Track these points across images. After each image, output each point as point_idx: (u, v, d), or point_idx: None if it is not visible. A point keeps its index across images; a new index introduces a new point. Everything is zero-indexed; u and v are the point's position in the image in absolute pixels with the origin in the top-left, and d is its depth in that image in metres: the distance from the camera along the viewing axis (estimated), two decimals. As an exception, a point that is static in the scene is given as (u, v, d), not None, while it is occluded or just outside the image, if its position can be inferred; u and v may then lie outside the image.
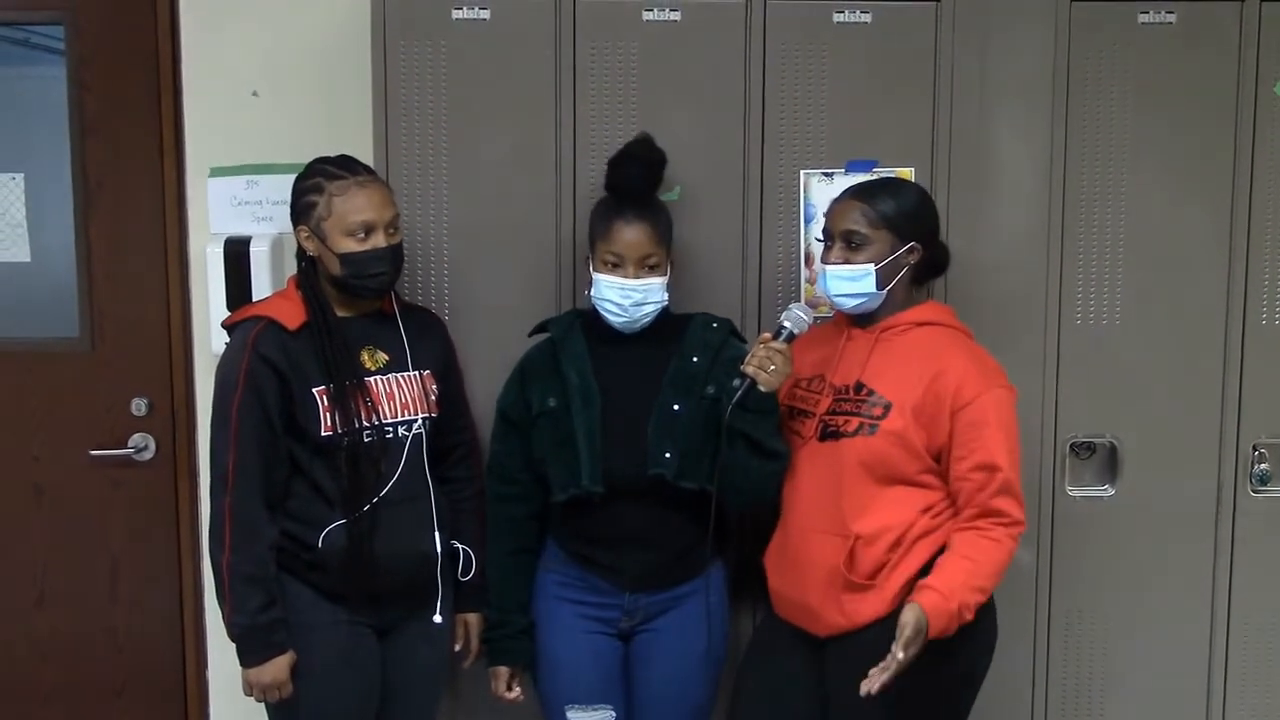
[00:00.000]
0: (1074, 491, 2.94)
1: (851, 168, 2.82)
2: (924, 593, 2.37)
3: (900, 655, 2.30)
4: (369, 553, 2.53)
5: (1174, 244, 2.89)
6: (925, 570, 2.47)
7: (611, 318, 2.61)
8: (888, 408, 2.50)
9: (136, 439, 3.33)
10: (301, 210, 2.58)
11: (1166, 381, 2.91)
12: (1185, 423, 2.92)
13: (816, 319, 2.62)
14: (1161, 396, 2.91)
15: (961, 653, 2.54)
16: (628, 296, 2.57)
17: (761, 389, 2.49)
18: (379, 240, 2.54)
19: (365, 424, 2.54)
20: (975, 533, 2.44)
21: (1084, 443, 2.93)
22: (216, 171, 3.20)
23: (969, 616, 2.40)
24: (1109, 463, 2.94)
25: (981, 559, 2.43)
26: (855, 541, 2.47)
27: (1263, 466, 2.93)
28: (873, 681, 2.30)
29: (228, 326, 2.63)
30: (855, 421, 2.51)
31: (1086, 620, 2.96)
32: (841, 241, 2.56)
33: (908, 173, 2.82)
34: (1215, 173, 2.87)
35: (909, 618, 2.33)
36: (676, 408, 2.59)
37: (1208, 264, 2.89)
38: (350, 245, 2.53)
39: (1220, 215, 2.88)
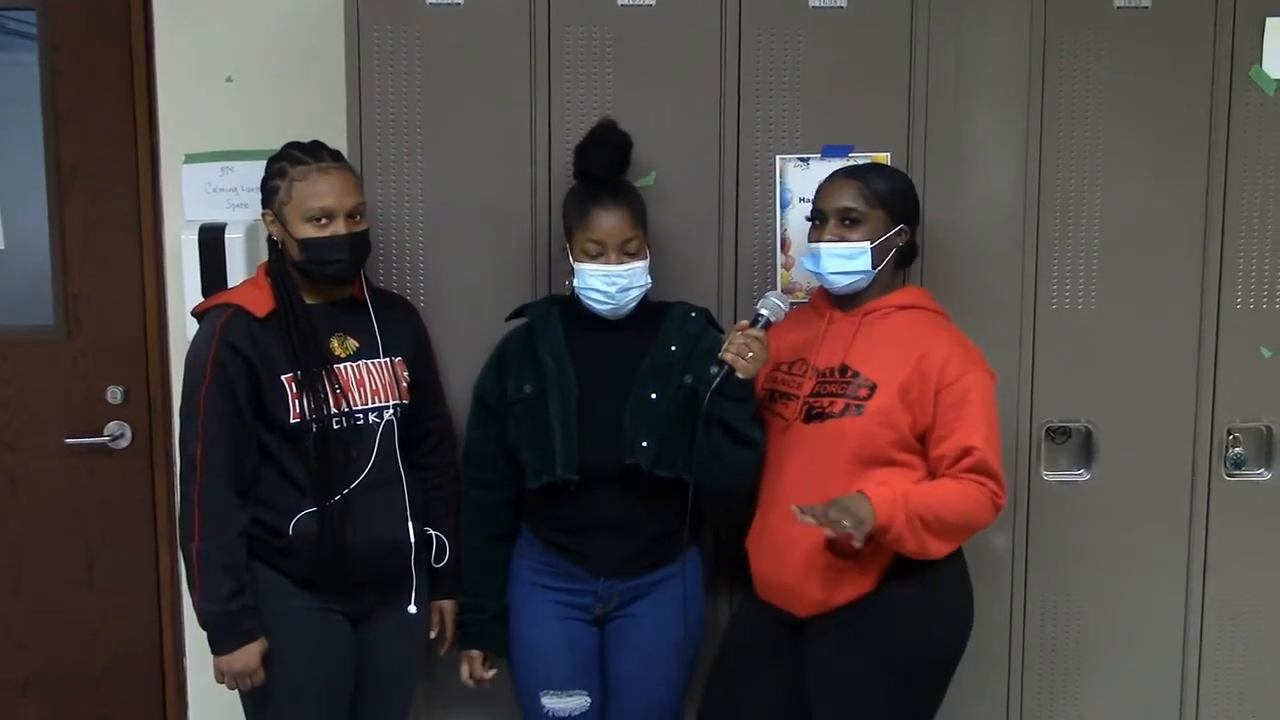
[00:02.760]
0: (1049, 476, 2.94)
1: (828, 153, 2.82)
2: (878, 489, 2.39)
3: (826, 512, 2.32)
4: (340, 540, 2.52)
5: (1149, 229, 2.89)
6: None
7: (598, 305, 2.60)
8: (873, 389, 2.50)
9: (112, 427, 3.32)
10: (267, 195, 2.59)
11: (1141, 366, 2.91)
12: (1160, 407, 2.92)
13: (792, 304, 2.62)
14: (1136, 381, 2.91)
15: (937, 635, 2.57)
16: (613, 283, 2.57)
17: (739, 376, 2.49)
18: (339, 227, 2.53)
19: (334, 410, 2.53)
20: (949, 478, 2.45)
21: (1059, 427, 2.94)
22: (191, 158, 3.18)
23: (925, 544, 2.40)
24: (1084, 447, 2.94)
25: (949, 494, 2.43)
26: None
27: (1236, 450, 2.94)
28: (804, 514, 2.34)
29: (197, 314, 2.62)
30: (841, 403, 2.52)
31: (1061, 603, 2.97)
32: (836, 219, 2.56)
33: (884, 157, 2.81)
34: (1190, 157, 2.87)
35: (849, 499, 2.35)
36: (654, 396, 2.58)
37: (1183, 249, 2.89)
38: (309, 231, 2.52)
39: (1195, 200, 2.88)
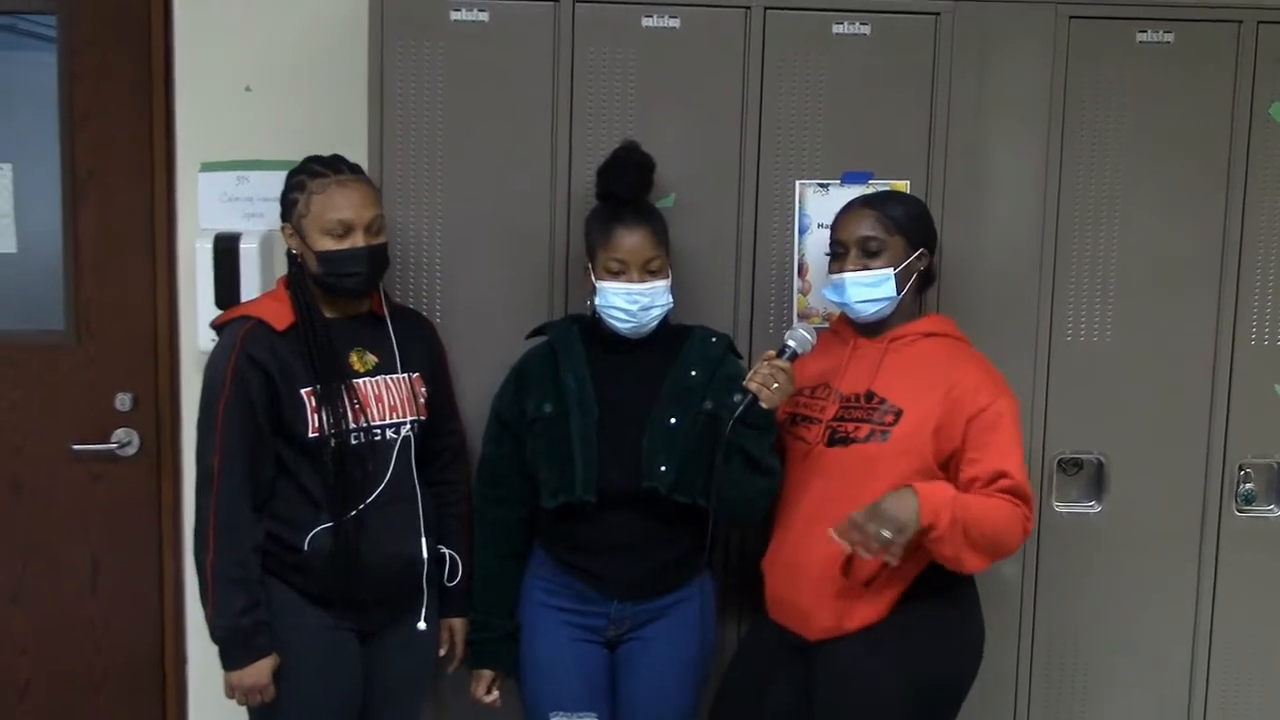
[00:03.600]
0: (1061, 507, 2.94)
1: (847, 179, 2.82)
2: (929, 486, 2.37)
3: (865, 524, 2.31)
4: (355, 556, 2.51)
5: (1166, 263, 2.89)
6: (921, 582, 2.48)
7: (619, 324, 2.60)
8: (899, 415, 2.50)
9: (120, 434, 3.30)
10: (286, 207, 2.59)
11: (1154, 400, 2.91)
12: (1172, 441, 2.93)
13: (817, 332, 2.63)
14: (1150, 414, 2.92)
15: (949, 663, 2.57)
16: (635, 301, 2.57)
17: (763, 405, 2.49)
18: (357, 240, 2.53)
19: (353, 425, 2.53)
20: (983, 494, 2.43)
21: (1072, 459, 2.94)
22: (207, 166, 3.17)
23: (961, 554, 2.37)
24: (1096, 479, 2.94)
25: (989, 508, 2.40)
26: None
27: (1248, 486, 2.94)
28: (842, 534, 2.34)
29: (216, 326, 2.61)
30: (866, 428, 2.52)
31: (1069, 633, 2.97)
32: (858, 249, 2.57)
33: (903, 185, 2.82)
34: (1208, 193, 2.88)
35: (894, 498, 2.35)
36: (673, 420, 2.58)
37: (1199, 283, 2.90)
38: (328, 244, 2.52)
39: (1212, 235, 2.89)
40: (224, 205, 3.18)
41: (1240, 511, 2.95)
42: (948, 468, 2.50)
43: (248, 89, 3.16)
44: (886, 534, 2.31)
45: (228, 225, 3.15)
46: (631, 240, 2.57)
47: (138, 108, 3.22)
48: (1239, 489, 2.94)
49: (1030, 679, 2.97)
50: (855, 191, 2.74)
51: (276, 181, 2.66)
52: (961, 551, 2.38)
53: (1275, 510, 2.95)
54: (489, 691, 2.71)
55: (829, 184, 2.83)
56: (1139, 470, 2.93)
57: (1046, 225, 2.87)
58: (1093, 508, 2.95)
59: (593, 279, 2.62)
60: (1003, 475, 2.42)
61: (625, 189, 2.62)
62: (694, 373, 2.63)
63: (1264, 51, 2.84)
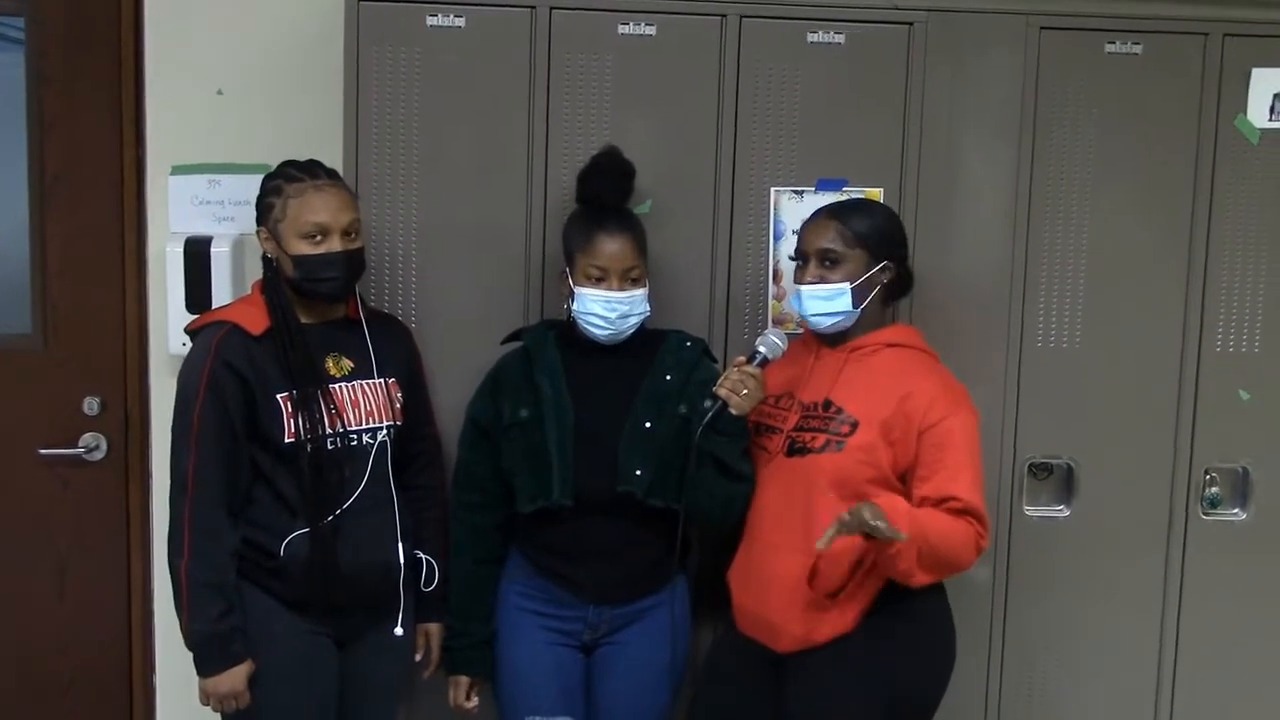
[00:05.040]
0: (1031, 511, 2.98)
1: (822, 186, 2.84)
2: (890, 501, 2.37)
3: (846, 517, 2.30)
4: (331, 562, 2.50)
5: (1134, 270, 2.93)
6: (887, 592, 2.49)
7: (596, 331, 2.60)
8: (855, 425, 2.51)
9: (87, 438, 3.27)
10: (262, 211, 2.58)
11: (1123, 405, 2.95)
12: (1140, 446, 2.97)
13: (789, 338, 2.64)
14: (1118, 420, 2.95)
15: (921, 673, 2.58)
16: (613, 309, 2.57)
17: (733, 412, 2.50)
18: (334, 244, 2.52)
19: (329, 431, 2.52)
20: (939, 511, 2.44)
21: (1042, 463, 2.97)
22: (178, 169, 3.15)
23: (913, 571, 2.36)
24: (1066, 484, 2.98)
25: (943, 527, 2.40)
26: (819, 559, 2.47)
27: (1214, 490, 2.98)
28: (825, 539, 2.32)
29: (190, 331, 2.60)
30: (822, 438, 2.53)
31: (1039, 636, 3.00)
32: (816, 260, 2.57)
33: (877, 193, 2.84)
34: (1176, 201, 2.92)
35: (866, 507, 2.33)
36: (648, 425, 2.59)
37: (1167, 290, 2.94)
38: (304, 248, 2.51)
39: (1179, 243, 2.93)
40: (195, 209, 3.15)
41: (1206, 515, 2.99)
42: (906, 479, 2.51)
43: (219, 92, 3.14)
44: (881, 524, 2.28)
45: (199, 229, 3.13)
46: (613, 248, 2.57)
47: (108, 110, 3.19)
48: (1205, 493, 2.98)
49: (1001, 680, 3.00)
50: (830, 198, 2.75)
51: (248, 185, 2.65)
52: (913, 569, 2.38)
53: (1240, 514, 3.00)
54: (468, 698, 2.71)
55: (804, 191, 2.85)
56: (1108, 474, 2.96)
57: (1017, 232, 2.90)
58: (1062, 512, 2.98)
59: (570, 284, 2.62)
60: (952, 499, 2.43)
61: (609, 194, 2.63)
62: (669, 377, 2.64)
63: (1230, 63, 2.88)
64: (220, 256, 3.07)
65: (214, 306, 2.94)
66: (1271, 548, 3.00)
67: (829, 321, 2.59)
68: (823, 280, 2.56)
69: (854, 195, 2.80)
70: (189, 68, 3.13)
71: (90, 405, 3.27)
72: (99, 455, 3.28)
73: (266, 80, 3.12)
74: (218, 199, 3.15)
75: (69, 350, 3.26)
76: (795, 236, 2.79)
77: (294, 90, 3.09)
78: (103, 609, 3.34)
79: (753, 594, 2.61)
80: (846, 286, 2.56)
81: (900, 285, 2.68)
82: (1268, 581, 3.02)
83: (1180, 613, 3.00)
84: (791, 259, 2.67)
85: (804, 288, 2.58)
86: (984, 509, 2.47)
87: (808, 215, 2.68)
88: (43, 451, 3.26)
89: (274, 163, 2.64)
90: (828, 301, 2.56)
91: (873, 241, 2.58)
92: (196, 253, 3.07)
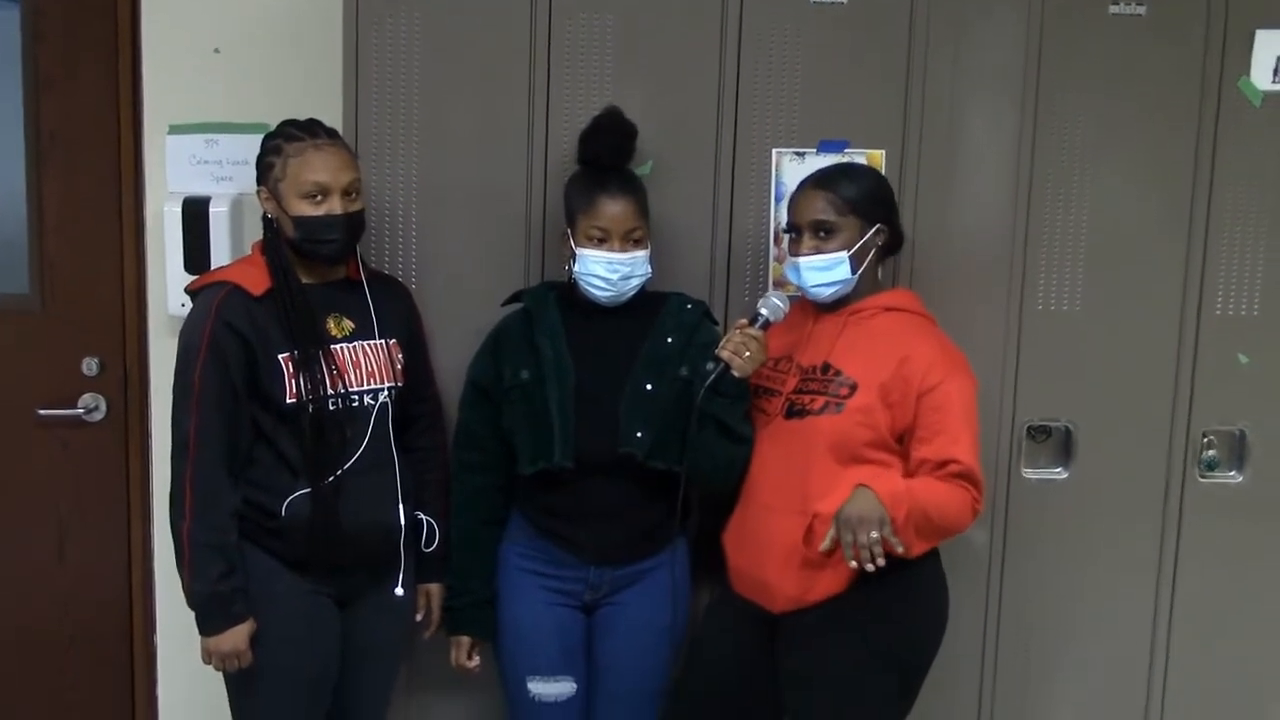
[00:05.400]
0: (1029, 474, 2.98)
1: (824, 148, 2.83)
2: (883, 482, 2.41)
3: (848, 537, 2.34)
4: (333, 522, 2.51)
5: (1136, 232, 2.92)
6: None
7: (598, 292, 2.60)
8: (853, 387, 2.52)
9: (86, 399, 3.27)
10: (262, 171, 2.56)
11: (1122, 368, 2.95)
12: (1138, 409, 2.97)
13: (791, 300, 2.64)
14: (1117, 382, 2.96)
15: (914, 633, 2.60)
16: (615, 270, 2.57)
17: (735, 374, 2.50)
18: (334, 204, 2.51)
19: (330, 391, 2.52)
20: (933, 477, 2.47)
21: (1040, 426, 2.98)
22: (175, 129, 3.13)
23: (910, 542, 2.40)
24: (1064, 446, 2.98)
25: (939, 495, 2.45)
26: (814, 519, 2.49)
27: (1211, 453, 2.99)
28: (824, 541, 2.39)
29: (191, 292, 2.59)
30: (821, 400, 2.54)
31: (1036, 598, 3.01)
32: (810, 232, 2.57)
33: (878, 155, 2.83)
34: (1178, 164, 2.90)
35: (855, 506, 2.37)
36: (649, 387, 2.59)
37: (1167, 253, 2.93)
38: (304, 208, 2.50)
39: (1181, 206, 2.92)
40: (193, 168, 3.14)
41: (1203, 478, 3.00)
42: (904, 441, 2.53)
43: (216, 50, 3.12)
44: (875, 534, 2.33)
45: (197, 188, 3.12)
46: (615, 209, 2.57)
47: (104, 68, 3.17)
48: (1202, 455, 2.99)
49: (997, 643, 3.02)
50: (831, 159, 2.75)
51: (246, 144, 2.65)
52: (911, 541, 2.42)
53: (1236, 477, 3.01)
54: (470, 657, 2.72)
55: (805, 152, 2.84)
56: (1106, 437, 2.97)
57: (1019, 195, 2.89)
58: (1060, 474, 2.99)
59: (571, 245, 2.62)
60: (952, 461, 2.46)
61: (611, 154, 2.62)
62: (670, 339, 2.64)
63: (1234, 24, 2.86)
64: (219, 216, 3.06)
65: (212, 266, 2.94)
66: (1267, 510, 3.02)
67: (829, 291, 2.59)
68: (819, 251, 2.56)
69: (854, 158, 2.79)
70: (186, 26, 3.11)
71: (89, 366, 3.27)
72: (98, 416, 3.28)
73: (264, 39, 3.11)
74: (215, 158, 3.14)
75: (67, 311, 3.25)
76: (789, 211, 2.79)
77: (291, 49, 3.08)
78: (103, 569, 3.35)
79: (748, 555, 2.63)
80: (844, 255, 2.56)
81: (892, 244, 2.68)
82: (1263, 543, 3.03)
83: (1176, 573, 3.02)
84: (784, 231, 2.67)
85: (801, 260, 2.58)
86: (980, 474, 2.50)
87: (796, 189, 2.67)
88: (41, 412, 3.26)
89: (272, 122, 2.62)
90: (826, 271, 2.57)
91: (864, 206, 2.58)
92: (195, 212, 3.06)
